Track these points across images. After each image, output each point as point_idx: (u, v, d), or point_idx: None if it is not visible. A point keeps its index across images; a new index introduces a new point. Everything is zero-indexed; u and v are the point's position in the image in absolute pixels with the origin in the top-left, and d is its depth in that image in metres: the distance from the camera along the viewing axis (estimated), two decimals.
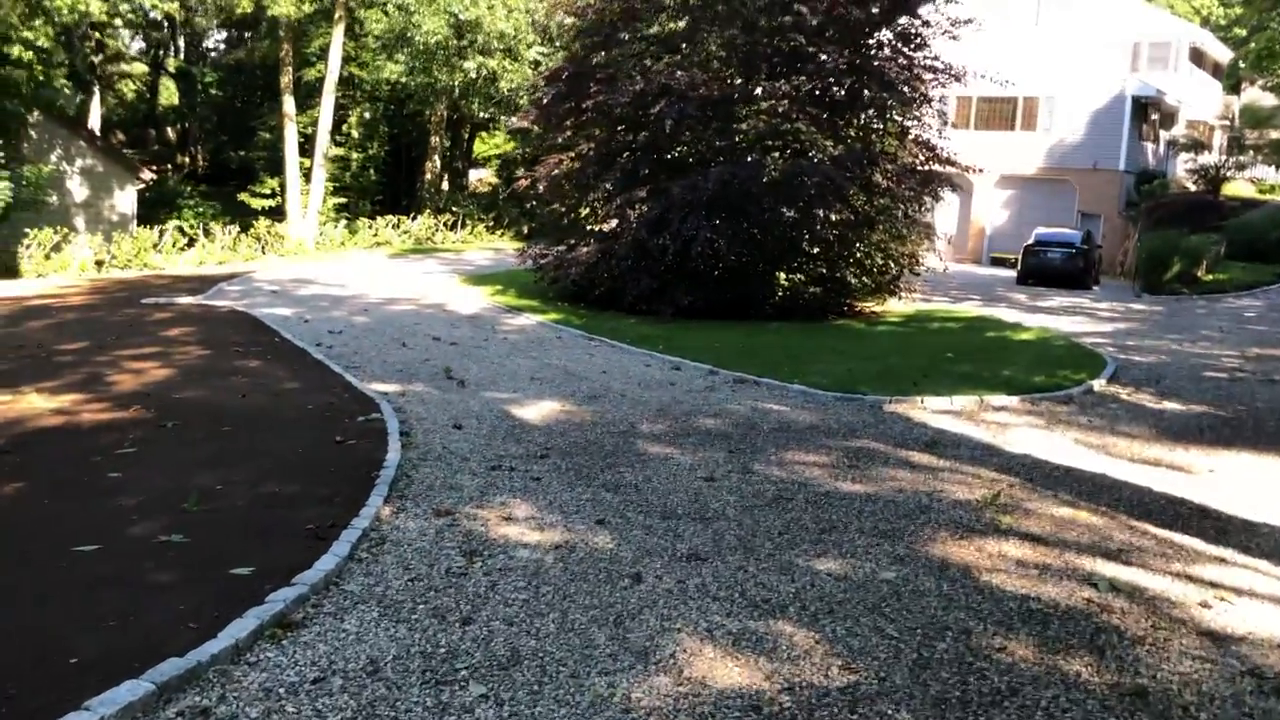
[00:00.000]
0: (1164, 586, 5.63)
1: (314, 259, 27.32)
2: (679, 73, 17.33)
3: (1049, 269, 26.43)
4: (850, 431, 9.17)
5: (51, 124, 27.44)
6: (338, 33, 31.38)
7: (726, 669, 4.38)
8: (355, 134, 38.23)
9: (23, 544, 5.46)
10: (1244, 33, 44.17)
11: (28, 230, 22.76)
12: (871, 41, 18.60)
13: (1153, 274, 25.82)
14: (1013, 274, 28.67)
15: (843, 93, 18.37)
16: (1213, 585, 5.67)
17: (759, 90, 17.64)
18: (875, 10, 18.18)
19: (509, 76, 30.90)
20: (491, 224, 36.39)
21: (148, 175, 30.96)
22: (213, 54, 50.60)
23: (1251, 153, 34.09)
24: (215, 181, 45.14)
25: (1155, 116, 34.06)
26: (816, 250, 18.36)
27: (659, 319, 16.51)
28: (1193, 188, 34.36)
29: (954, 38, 18.57)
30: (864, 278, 19.08)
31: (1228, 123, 39.47)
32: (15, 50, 22.92)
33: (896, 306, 19.82)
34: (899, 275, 19.62)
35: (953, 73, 18.60)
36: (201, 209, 36.57)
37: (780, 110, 17.43)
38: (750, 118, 17.61)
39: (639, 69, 18.10)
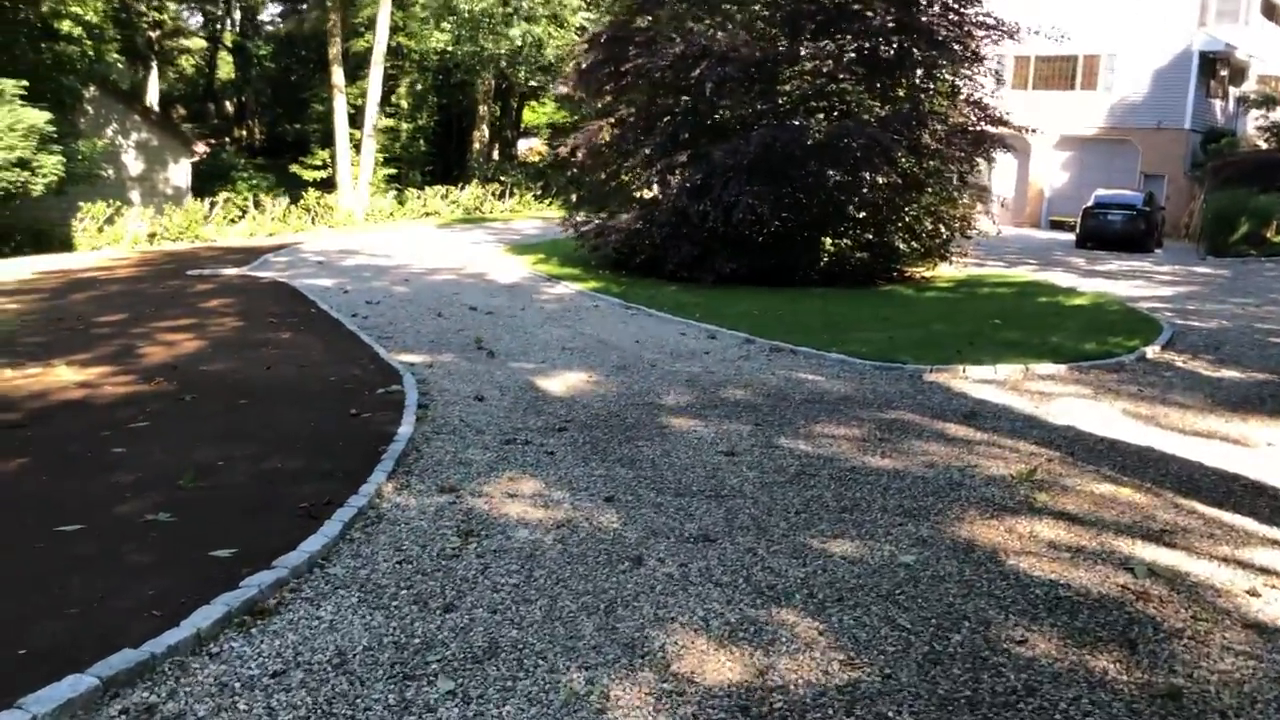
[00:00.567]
0: (1209, 572, 5.19)
1: (362, 230, 27.33)
2: (719, 34, 16.80)
3: (1109, 232, 25.58)
4: (886, 402, 8.77)
5: (108, 98, 27.79)
6: (385, 2, 31.23)
7: (718, 664, 4.07)
8: (404, 105, 38.22)
9: (7, 524, 5.32)
10: None
11: (81, 204, 23.04)
12: None
13: (1218, 235, 24.80)
14: (1072, 237, 27.78)
15: (890, 52, 17.66)
16: (1263, 571, 5.21)
17: (803, 51, 17.03)
18: None
19: (555, 43, 30.54)
20: (540, 193, 36.17)
21: (201, 148, 31.25)
22: (268, 26, 50.87)
23: None
24: (271, 154, 45.56)
25: (1224, 72, 32.60)
26: (863, 214, 17.76)
27: (699, 286, 16.14)
28: (1264, 146, 32.87)
29: None
30: (913, 242, 18.46)
31: None
32: (65, 25, 23.13)
33: (947, 271, 19.19)
34: (950, 239, 18.97)
35: (1006, 29, 17.81)
36: (255, 181, 36.93)
37: (825, 71, 16.85)
38: (794, 79, 17.05)
39: (679, 31, 17.60)
